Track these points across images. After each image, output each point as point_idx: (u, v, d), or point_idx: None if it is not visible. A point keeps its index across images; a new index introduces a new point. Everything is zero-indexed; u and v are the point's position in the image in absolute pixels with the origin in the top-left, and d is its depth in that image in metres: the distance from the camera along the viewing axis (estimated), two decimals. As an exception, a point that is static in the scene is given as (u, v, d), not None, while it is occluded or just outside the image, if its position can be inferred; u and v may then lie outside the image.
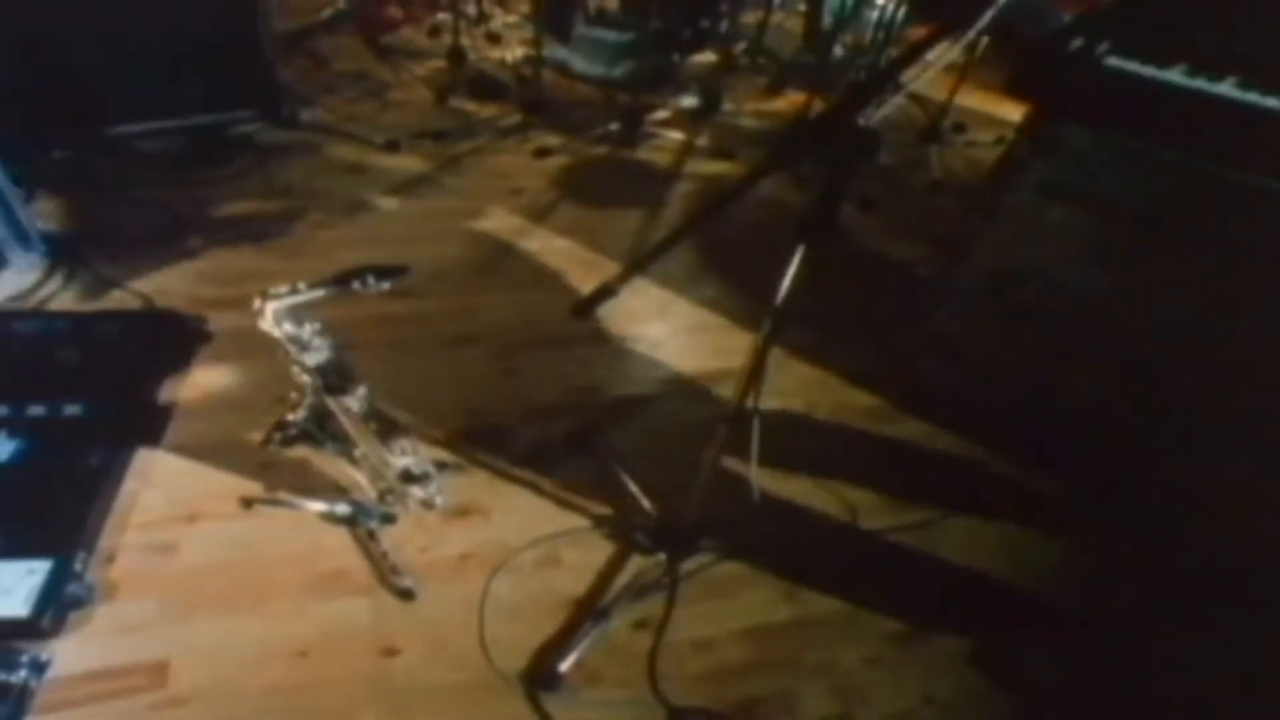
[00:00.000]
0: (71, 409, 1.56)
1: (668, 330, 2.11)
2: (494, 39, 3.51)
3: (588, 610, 1.41)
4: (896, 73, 1.66)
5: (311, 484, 1.56)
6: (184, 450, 1.59)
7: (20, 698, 1.16)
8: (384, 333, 1.94)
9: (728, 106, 3.31)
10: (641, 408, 1.87)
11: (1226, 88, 1.52)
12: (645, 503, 1.58)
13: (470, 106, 3.05)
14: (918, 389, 2.01)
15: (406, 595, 1.39)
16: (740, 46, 3.69)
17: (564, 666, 1.31)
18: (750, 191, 2.56)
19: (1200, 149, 1.57)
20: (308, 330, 1.42)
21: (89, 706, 1.20)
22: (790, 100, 3.45)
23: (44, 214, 2.02)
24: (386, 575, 1.42)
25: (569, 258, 2.31)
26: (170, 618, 1.32)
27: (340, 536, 1.48)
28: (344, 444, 1.51)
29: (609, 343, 2.05)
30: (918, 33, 3.27)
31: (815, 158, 1.04)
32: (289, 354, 1.42)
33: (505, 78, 3.23)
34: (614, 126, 2.90)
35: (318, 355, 1.43)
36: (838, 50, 3.47)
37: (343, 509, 1.48)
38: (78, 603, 1.29)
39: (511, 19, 3.74)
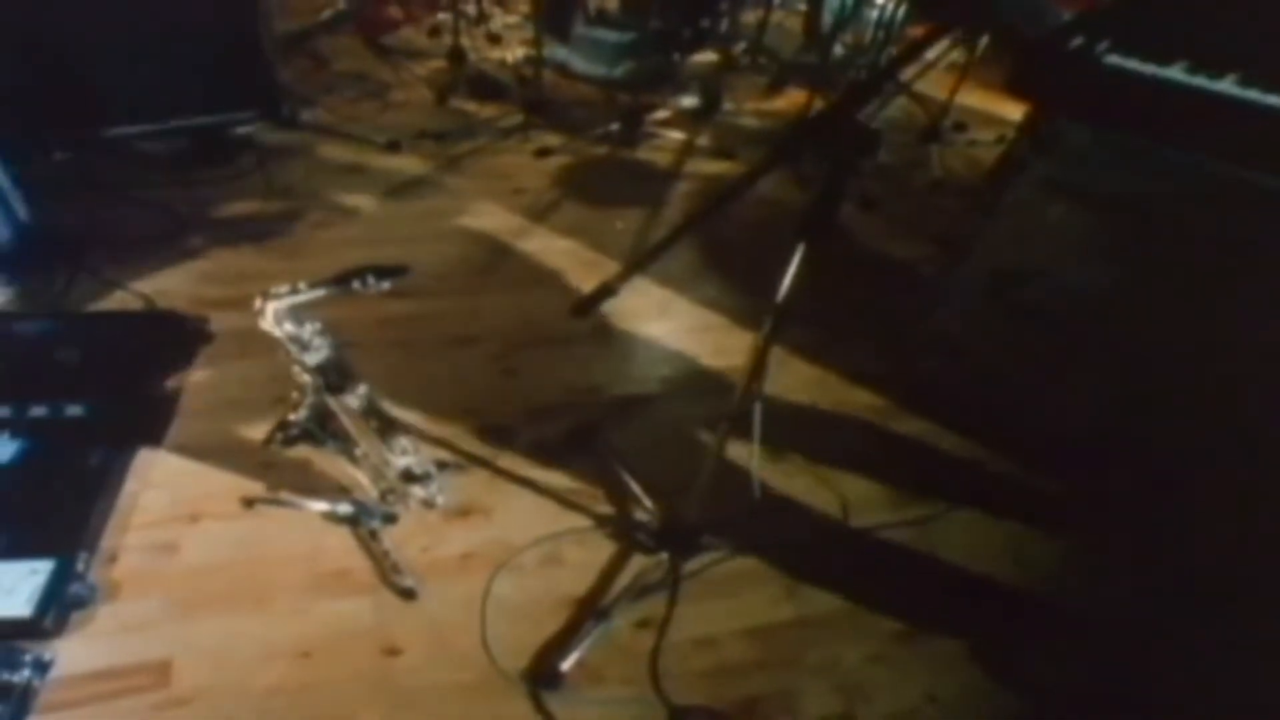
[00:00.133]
0: (73, 409, 1.57)
1: (669, 329, 2.11)
2: (494, 39, 3.51)
3: (589, 609, 1.41)
4: (896, 71, 1.67)
5: (313, 484, 1.56)
6: (186, 450, 1.59)
7: (24, 697, 1.16)
8: (385, 333, 1.94)
9: (728, 106, 3.31)
10: (642, 407, 1.87)
11: (1227, 85, 1.52)
12: (647, 502, 1.59)
13: (471, 107, 3.05)
14: (919, 388, 2.01)
15: (408, 595, 1.40)
16: (740, 46, 3.69)
17: (566, 665, 1.31)
18: (750, 190, 2.56)
19: (1201, 147, 1.56)
20: (308, 330, 1.42)
21: (92, 706, 1.20)
22: (790, 100, 3.45)
23: (44, 215, 2.01)
24: (388, 575, 1.42)
25: (570, 257, 2.31)
26: (173, 618, 1.32)
27: (342, 536, 1.48)
28: (345, 443, 1.51)
29: (610, 342, 2.05)
30: (918, 32, 3.27)
31: (815, 156, 1.04)
32: (290, 354, 1.42)
33: (506, 78, 3.23)
34: (614, 126, 2.90)
35: (318, 355, 1.43)
36: (838, 49, 3.47)
37: (344, 509, 1.48)
38: (80, 603, 1.29)
39: (511, 19, 3.74)
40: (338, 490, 1.54)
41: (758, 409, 1.28)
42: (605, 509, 1.60)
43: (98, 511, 1.41)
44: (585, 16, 3.26)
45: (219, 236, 2.17)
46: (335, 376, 1.44)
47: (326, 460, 1.57)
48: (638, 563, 1.50)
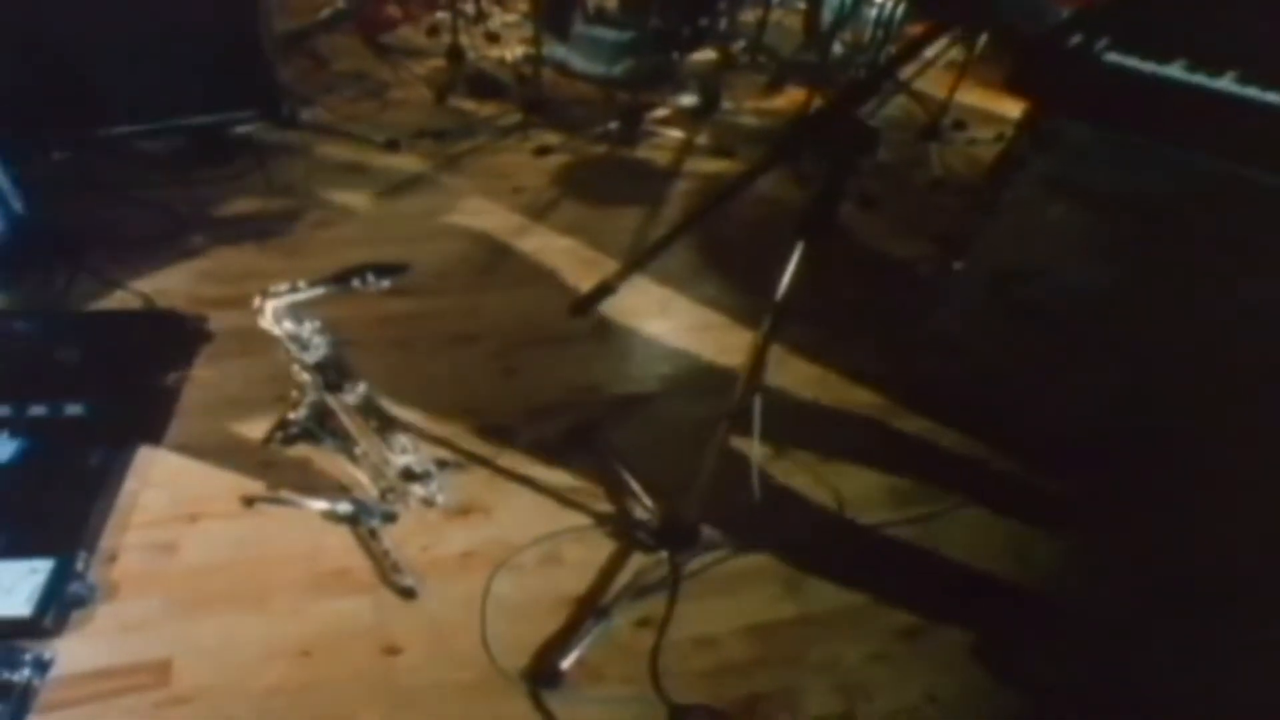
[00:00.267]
0: (73, 409, 1.56)
1: (668, 328, 2.11)
2: (493, 38, 3.50)
3: (589, 608, 1.41)
4: (895, 70, 1.66)
5: (313, 482, 1.56)
6: (185, 449, 1.59)
7: (23, 697, 1.16)
8: (384, 331, 1.94)
9: (727, 104, 3.31)
10: (642, 406, 1.87)
11: (1226, 83, 1.52)
12: (646, 500, 1.59)
13: (470, 105, 3.05)
14: (919, 386, 2.00)
15: (408, 594, 1.39)
16: (739, 44, 3.69)
17: (566, 664, 1.31)
18: (750, 189, 2.55)
19: (1200, 144, 1.57)
20: (308, 328, 1.42)
21: (92, 705, 1.20)
22: (790, 98, 3.45)
23: (42, 210, 2.01)
24: (388, 574, 1.42)
25: (569, 256, 2.31)
26: (172, 617, 1.32)
27: (342, 535, 1.48)
28: (345, 442, 1.51)
29: (609, 341, 2.05)
30: (917, 30, 3.27)
31: (815, 155, 1.04)
32: (289, 352, 1.42)
33: (505, 76, 3.23)
34: (613, 125, 2.90)
35: (318, 353, 1.43)
36: (837, 48, 3.47)
37: (344, 508, 1.48)
38: (80, 602, 1.29)
39: (510, 18, 3.74)
40: (337, 489, 1.54)
41: (757, 407, 1.28)
42: (605, 507, 1.60)
43: (97, 511, 1.41)
44: (584, 15, 3.26)
45: (218, 235, 2.17)
46: (334, 375, 1.44)
47: (326, 459, 1.57)
48: (638, 561, 1.50)
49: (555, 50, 3.25)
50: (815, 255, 1.10)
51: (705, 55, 3.57)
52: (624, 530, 1.55)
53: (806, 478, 1.73)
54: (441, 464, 1.58)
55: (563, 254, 2.32)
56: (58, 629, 1.25)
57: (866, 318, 2.26)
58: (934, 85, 3.20)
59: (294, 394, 1.54)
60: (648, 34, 3.08)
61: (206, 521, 1.47)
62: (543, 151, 2.79)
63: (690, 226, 2.13)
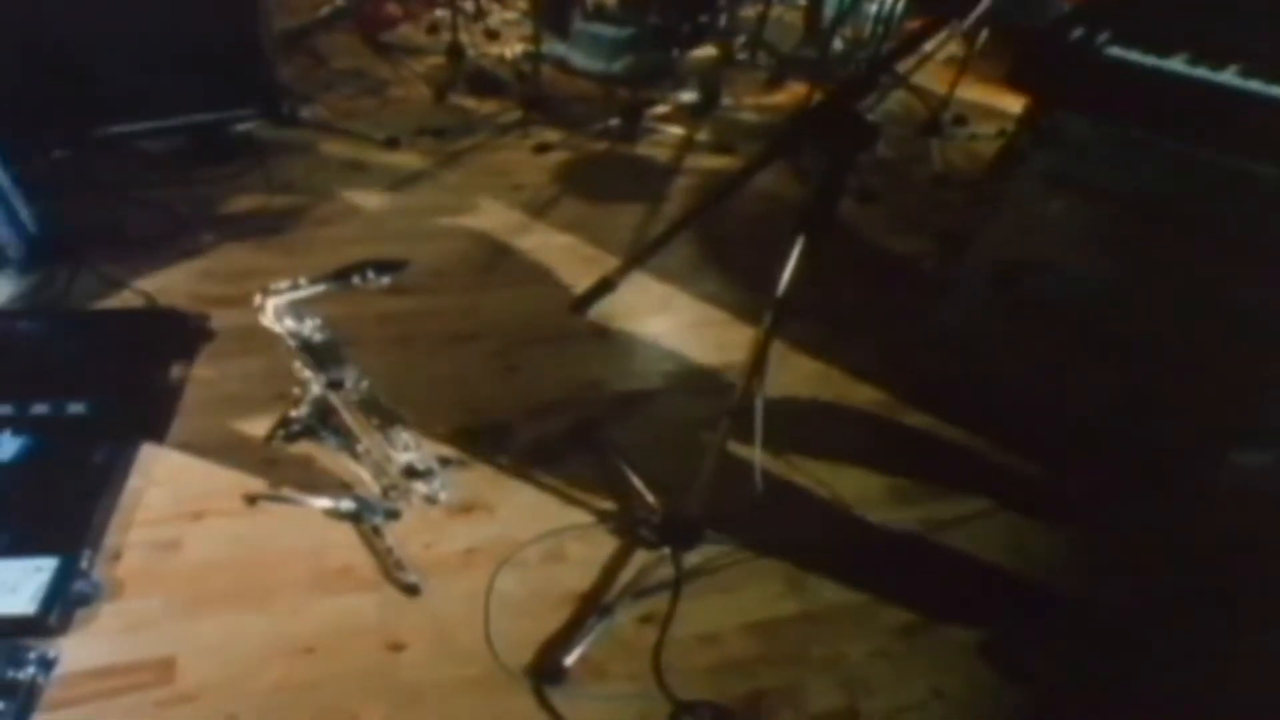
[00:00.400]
0: (75, 407, 1.57)
1: (669, 325, 2.11)
2: (492, 35, 3.50)
3: (593, 605, 1.42)
4: (893, 64, 1.66)
5: (315, 480, 1.56)
6: (188, 447, 1.60)
7: (29, 694, 1.17)
8: (385, 330, 1.94)
9: (727, 101, 3.30)
10: (644, 403, 1.87)
11: (1228, 76, 1.52)
12: (649, 497, 1.59)
13: (469, 103, 3.05)
14: (921, 382, 2.00)
15: (412, 591, 1.40)
16: (739, 41, 3.68)
17: (569, 661, 1.31)
18: (750, 185, 2.55)
19: (1202, 138, 1.56)
20: (309, 325, 1.42)
21: (96, 703, 1.20)
22: (790, 94, 3.45)
23: (46, 214, 2.01)
24: (391, 571, 1.42)
25: (570, 254, 2.31)
26: (176, 615, 1.33)
27: (345, 532, 1.48)
28: (347, 440, 1.51)
29: (610, 338, 2.05)
30: (917, 25, 3.26)
31: (814, 150, 1.04)
32: (290, 349, 1.42)
33: (504, 74, 3.22)
34: (614, 122, 2.90)
35: (319, 351, 1.43)
36: (837, 43, 3.46)
37: (347, 505, 1.49)
38: (84, 600, 1.30)
39: (510, 15, 3.73)
40: (340, 487, 1.54)
41: (759, 404, 1.27)
42: (607, 505, 1.60)
43: (101, 509, 1.41)
44: (584, 12, 3.25)
45: (219, 234, 2.17)
46: (336, 372, 1.44)
47: (328, 457, 1.57)
48: (640, 558, 1.50)
49: (555, 47, 3.24)
50: (816, 251, 1.10)
51: (705, 52, 3.56)
52: (626, 527, 1.56)
53: (808, 474, 1.73)
54: (444, 461, 1.58)
55: (563, 251, 2.32)
56: (62, 627, 1.26)
57: (869, 313, 2.26)
58: (935, 80, 3.19)
59: (295, 391, 1.54)
60: (647, 30, 3.07)
61: (210, 519, 1.48)
62: (543, 149, 2.79)
63: (690, 223, 2.12)
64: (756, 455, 1.42)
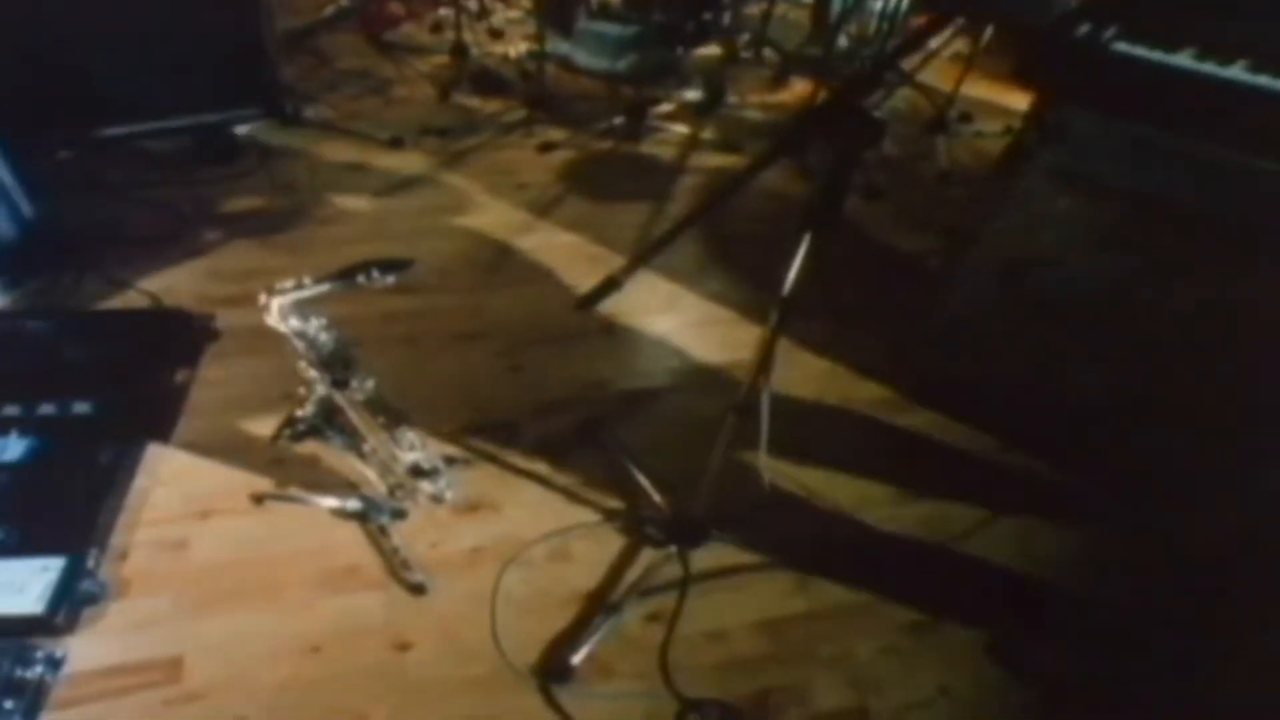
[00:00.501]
0: (81, 407, 1.57)
1: (675, 324, 2.11)
2: (496, 34, 3.50)
3: (599, 603, 1.41)
4: (898, 61, 1.66)
5: (321, 479, 1.56)
6: (194, 447, 1.60)
7: (37, 693, 1.17)
8: (390, 329, 1.94)
9: (732, 99, 3.30)
10: (649, 401, 1.87)
11: (1237, 71, 1.51)
12: (655, 496, 1.58)
13: (473, 102, 3.05)
14: (927, 380, 2.00)
15: (418, 590, 1.40)
16: (744, 38, 3.67)
17: (576, 659, 1.31)
18: (755, 184, 2.55)
19: (1210, 134, 1.55)
20: (314, 325, 1.42)
21: (104, 702, 1.20)
22: (795, 92, 3.44)
23: (50, 214, 2.02)
24: (398, 570, 1.42)
25: (574, 252, 2.31)
26: (183, 614, 1.33)
27: (351, 532, 1.48)
28: (353, 439, 1.51)
29: (616, 337, 2.04)
30: (921, 22, 3.25)
31: (820, 147, 1.03)
32: (295, 349, 1.42)
33: (508, 73, 3.22)
34: (618, 120, 2.89)
35: (324, 350, 1.43)
36: (842, 41, 3.45)
37: (353, 504, 1.49)
38: (91, 599, 1.30)
39: (513, 13, 3.73)
40: (346, 486, 1.54)
41: (766, 401, 1.27)
42: (613, 503, 1.60)
43: (107, 509, 1.42)
44: (588, 10, 3.24)
45: (224, 234, 2.17)
46: (341, 371, 1.44)
47: (335, 456, 1.57)
48: (647, 557, 1.50)
49: (559, 46, 3.24)
50: (822, 249, 1.10)
51: (710, 50, 3.55)
52: (633, 526, 1.55)
53: (814, 472, 1.73)
54: (450, 460, 1.58)
55: (567, 250, 2.31)
56: (69, 626, 1.26)
57: (873, 312, 2.26)
58: (940, 78, 3.18)
59: (301, 391, 1.54)
60: (652, 29, 3.06)
61: (216, 519, 1.48)
62: (547, 148, 2.79)
63: (695, 221, 2.13)
64: (763, 453, 1.42)
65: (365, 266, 1.30)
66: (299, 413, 1.56)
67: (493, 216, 2.42)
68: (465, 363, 1.90)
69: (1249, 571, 1.59)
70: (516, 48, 3.40)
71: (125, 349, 1.74)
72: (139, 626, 1.30)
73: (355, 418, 1.46)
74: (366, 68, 3.17)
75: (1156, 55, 1.58)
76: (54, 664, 1.21)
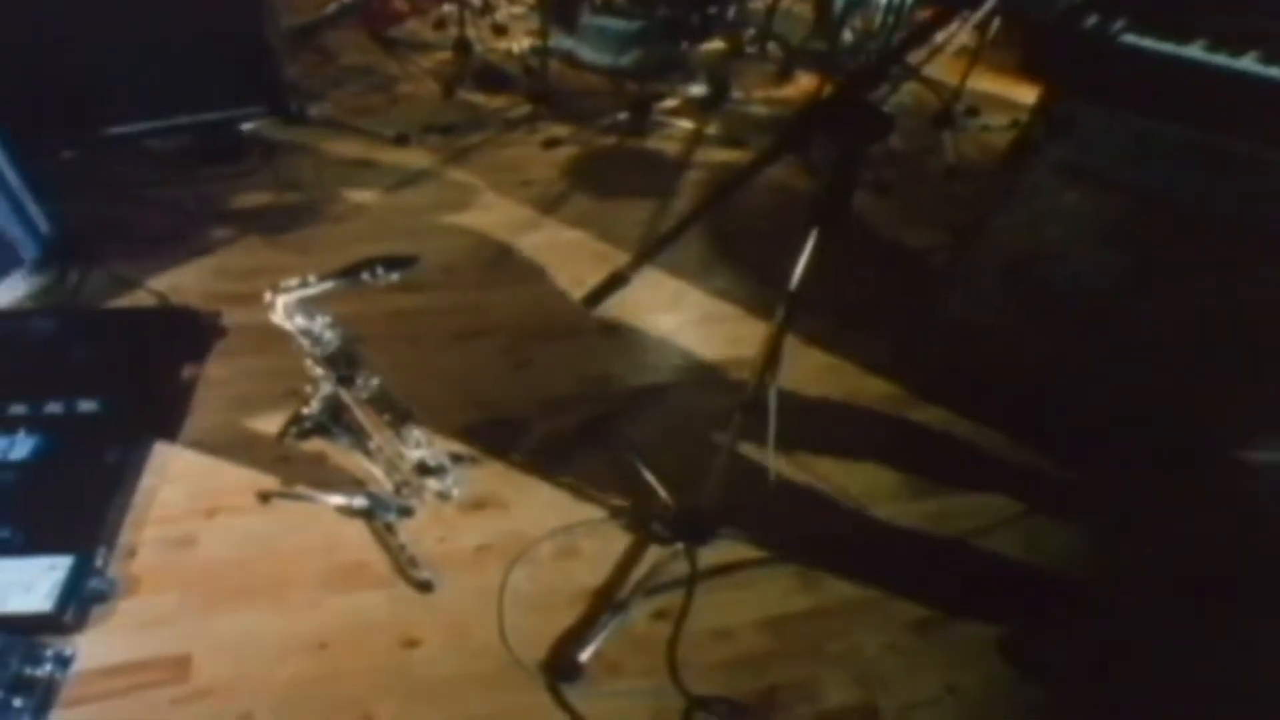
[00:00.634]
0: (88, 406, 1.57)
1: (681, 320, 2.10)
2: (500, 30, 3.49)
3: (606, 601, 1.41)
4: (903, 54, 1.64)
5: (328, 477, 1.56)
6: (201, 445, 1.60)
7: (47, 691, 1.17)
8: (395, 327, 1.94)
9: (737, 94, 3.28)
10: (656, 398, 1.86)
11: (1249, 63, 1.49)
12: (662, 493, 1.58)
13: (478, 98, 3.04)
14: (934, 375, 1.99)
15: (425, 587, 1.40)
16: (749, 33, 3.65)
17: (584, 657, 1.31)
18: (760, 179, 2.53)
19: (1222, 127, 1.54)
20: (319, 323, 1.42)
21: (113, 700, 1.21)
22: (800, 87, 3.42)
23: (56, 214, 2.02)
24: (405, 567, 1.42)
25: (579, 249, 2.30)
26: (191, 612, 1.33)
27: (358, 529, 1.48)
28: (359, 437, 1.51)
29: (621, 334, 2.04)
30: (927, 14, 3.22)
31: (829, 141, 1.02)
32: (301, 347, 1.42)
33: (512, 69, 3.21)
34: (622, 116, 2.88)
35: (329, 348, 1.43)
36: (847, 35, 3.43)
37: (360, 502, 1.49)
38: (100, 597, 1.30)
39: (517, 9, 3.72)
40: (352, 484, 1.54)
41: (773, 398, 1.26)
42: (620, 500, 1.60)
43: (115, 507, 1.42)
44: (591, 5, 3.23)
45: (229, 232, 2.18)
46: (347, 369, 1.44)
47: (341, 454, 1.57)
48: (653, 554, 1.50)
49: (563, 41, 3.22)
50: (829, 244, 1.09)
51: (714, 44, 3.54)
52: (639, 523, 1.55)
53: (821, 469, 1.72)
54: (456, 458, 1.58)
55: (572, 246, 2.31)
56: (78, 624, 1.27)
57: (881, 306, 2.25)
58: (946, 71, 3.16)
59: (307, 389, 1.54)
60: (656, 24, 3.05)
61: (223, 516, 1.48)
62: (551, 144, 2.78)
63: (701, 217, 2.11)
64: (770, 450, 1.41)
65: (370, 264, 1.30)
66: (305, 410, 1.56)
67: (497, 213, 2.42)
68: (470, 360, 1.90)
69: (1260, 564, 1.58)
70: (520, 43, 3.39)
71: (132, 347, 1.74)
72: (147, 624, 1.31)
73: (361, 415, 1.46)
74: (370, 64, 3.17)
75: (1166, 47, 1.56)
76: (63, 662, 1.21)
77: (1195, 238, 1.66)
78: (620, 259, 2.16)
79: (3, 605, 1.24)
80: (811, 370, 1.98)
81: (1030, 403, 1.88)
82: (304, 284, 1.35)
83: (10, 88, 2.01)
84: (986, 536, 1.63)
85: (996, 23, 2.95)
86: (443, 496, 1.47)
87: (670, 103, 3.08)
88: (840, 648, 1.41)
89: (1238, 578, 1.57)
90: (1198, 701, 1.40)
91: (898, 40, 3.22)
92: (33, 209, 1.92)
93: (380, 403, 1.45)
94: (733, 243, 2.38)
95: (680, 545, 1.50)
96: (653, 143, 2.90)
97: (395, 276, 1.31)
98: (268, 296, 1.36)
